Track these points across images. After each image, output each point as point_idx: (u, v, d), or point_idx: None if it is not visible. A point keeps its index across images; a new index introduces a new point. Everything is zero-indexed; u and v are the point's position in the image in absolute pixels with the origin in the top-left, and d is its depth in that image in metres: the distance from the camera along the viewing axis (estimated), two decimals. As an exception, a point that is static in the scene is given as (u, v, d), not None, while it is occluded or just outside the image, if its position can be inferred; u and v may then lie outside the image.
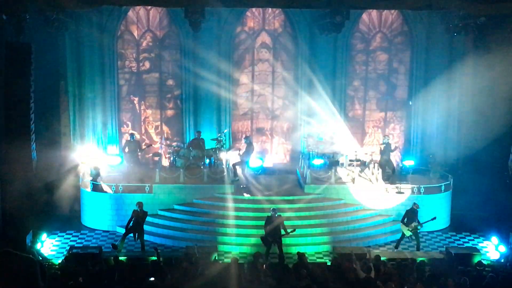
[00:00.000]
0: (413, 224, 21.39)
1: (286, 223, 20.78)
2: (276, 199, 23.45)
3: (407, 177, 25.42)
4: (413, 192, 24.03)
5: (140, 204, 21.26)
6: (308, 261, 19.31)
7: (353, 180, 24.65)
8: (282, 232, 20.39)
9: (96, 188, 23.98)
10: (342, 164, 26.48)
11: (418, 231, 21.66)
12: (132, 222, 21.17)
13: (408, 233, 21.56)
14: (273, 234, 20.31)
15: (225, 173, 24.79)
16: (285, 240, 21.13)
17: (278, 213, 20.69)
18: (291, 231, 20.36)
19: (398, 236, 22.05)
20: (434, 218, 21.83)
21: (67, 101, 26.93)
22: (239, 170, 25.15)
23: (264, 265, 17.47)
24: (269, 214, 20.62)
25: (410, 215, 21.55)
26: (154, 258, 18.95)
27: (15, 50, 21.02)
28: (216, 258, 20.24)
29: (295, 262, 18.36)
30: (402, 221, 21.68)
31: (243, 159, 25.25)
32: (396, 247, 21.91)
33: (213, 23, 26.43)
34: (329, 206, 24.08)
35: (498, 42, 24.24)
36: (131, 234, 21.29)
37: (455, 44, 26.83)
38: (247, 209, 23.02)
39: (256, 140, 28.37)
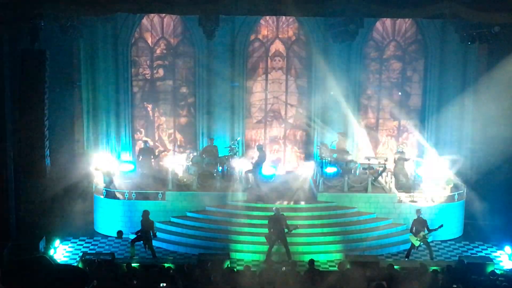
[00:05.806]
0: (421, 234, 21.30)
1: (298, 231, 21.49)
2: (288, 207, 23.54)
3: (420, 186, 25.29)
4: (426, 201, 23.90)
5: (145, 213, 21.46)
6: (320, 269, 19.33)
7: (366, 188, 24.56)
8: (286, 230, 21.18)
9: (109, 194, 24.05)
10: (355, 173, 26.39)
11: (428, 240, 21.58)
12: (140, 231, 21.50)
13: (417, 243, 21.47)
14: (277, 232, 21.11)
15: (238, 181, 24.77)
16: (298, 248, 21.92)
17: (281, 213, 21.47)
18: (294, 228, 21.12)
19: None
20: (441, 226, 21.73)
21: (81, 107, 26.99)
22: (251, 177, 25.13)
23: (284, 267, 17.61)
24: (272, 213, 21.41)
25: (418, 224, 21.50)
26: (167, 265, 19.02)
27: (30, 57, 21.13)
28: (229, 265, 20.25)
29: (307, 269, 18.34)
30: (411, 231, 21.62)
31: (256, 167, 25.27)
32: (407, 256, 21.82)
33: (227, 31, 26.42)
34: (342, 214, 24.04)
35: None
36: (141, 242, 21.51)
37: (469, 52, 26.69)
38: (260, 217, 22.95)
39: (269, 148, 28.36)
